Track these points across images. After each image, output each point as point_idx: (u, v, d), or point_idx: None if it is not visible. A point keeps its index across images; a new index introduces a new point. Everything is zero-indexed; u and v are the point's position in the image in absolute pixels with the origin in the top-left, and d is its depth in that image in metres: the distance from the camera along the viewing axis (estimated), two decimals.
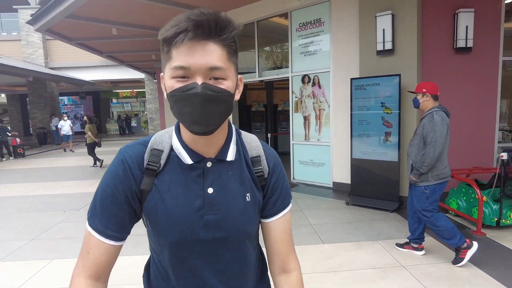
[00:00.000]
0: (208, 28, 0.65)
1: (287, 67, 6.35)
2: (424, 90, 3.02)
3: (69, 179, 7.56)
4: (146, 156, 0.78)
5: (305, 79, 6.05)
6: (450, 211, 4.25)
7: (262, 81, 7.08)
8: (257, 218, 0.85)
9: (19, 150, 12.00)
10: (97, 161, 9.13)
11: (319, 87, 5.86)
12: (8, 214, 5.01)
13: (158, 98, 16.32)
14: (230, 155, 0.80)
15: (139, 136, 20.99)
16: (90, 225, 0.77)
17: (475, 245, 2.92)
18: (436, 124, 2.83)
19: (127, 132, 23.98)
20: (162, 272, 0.84)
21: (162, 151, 0.78)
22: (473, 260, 2.98)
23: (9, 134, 11.55)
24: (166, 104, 8.90)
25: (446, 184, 2.99)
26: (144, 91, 18.95)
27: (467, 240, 2.95)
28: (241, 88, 0.79)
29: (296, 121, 6.33)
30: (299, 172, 6.36)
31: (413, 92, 3.17)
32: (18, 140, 12.12)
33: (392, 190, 4.61)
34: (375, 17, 4.71)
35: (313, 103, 5.99)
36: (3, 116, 18.52)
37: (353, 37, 5.23)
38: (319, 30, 5.77)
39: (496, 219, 3.71)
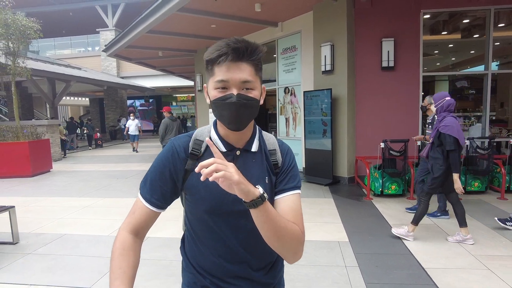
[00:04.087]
0: (242, 52, 0.88)
1: (275, 80, 8.40)
2: (165, 110, 7.03)
3: (124, 162, 10.63)
4: (190, 144, 1.00)
5: (286, 90, 8.05)
6: (364, 188, 5.95)
7: None
8: (272, 198, 1.02)
9: (99, 142, 15.92)
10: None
11: (295, 96, 7.81)
12: (84, 179, 7.93)
13: (195, 102, 19.18)
14: (254, 147, 1.02)
15: None
16: (140, 193, 1.01)
17: None
18: (163, 123, 6.72)
19: (183, 131, 27.46)
20: (195, 239, 1.05)
21: (202, 141, 1.00)
22: (341, 210, 4.83)
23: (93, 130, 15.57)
24: (199, 107, 11.53)
25: None
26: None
27: None
28: (264, 95, 1.02)
29: (281, 122, 8.35)
30: None
31: (163, 111, 7.04)
32: (98, 134, 16.05)
33: (328, 171, 6.44)
34: (320, 46, 6.57)
35: (291, 108, 7.95)
36: (87, 116, 23.18)
37: (313, 60, 7.11)
38: (294, 54, 7.74)
39: (380, 189, 5.40)
